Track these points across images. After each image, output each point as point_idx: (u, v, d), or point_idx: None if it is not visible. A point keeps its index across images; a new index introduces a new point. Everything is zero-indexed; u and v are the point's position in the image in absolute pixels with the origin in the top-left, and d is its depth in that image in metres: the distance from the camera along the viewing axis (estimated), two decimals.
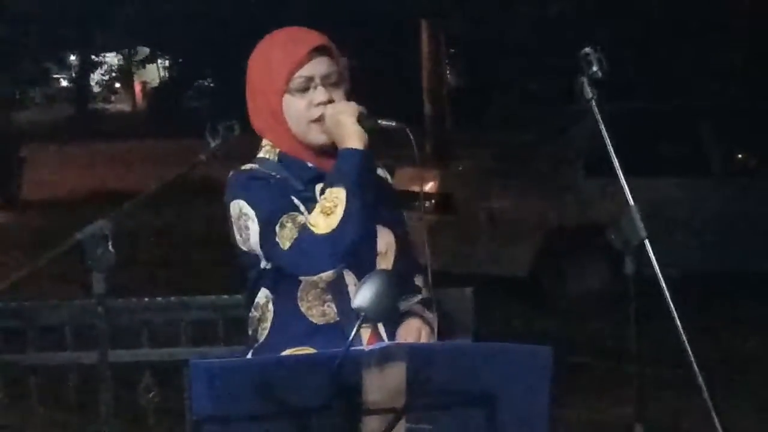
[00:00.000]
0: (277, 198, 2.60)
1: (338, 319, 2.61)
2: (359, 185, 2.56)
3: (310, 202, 2.62)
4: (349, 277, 2.61)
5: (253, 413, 2.16)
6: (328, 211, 2.54)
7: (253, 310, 2.70)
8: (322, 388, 2.17)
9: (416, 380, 2.23)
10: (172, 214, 12.97)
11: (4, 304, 3.70)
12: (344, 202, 2.54)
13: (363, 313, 2.27)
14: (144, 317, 3.75)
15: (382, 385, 2.22)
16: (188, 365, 2.21)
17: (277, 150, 2.70)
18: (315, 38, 2.68)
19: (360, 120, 2.61)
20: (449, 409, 2.27)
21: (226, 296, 3.72)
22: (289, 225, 2.56)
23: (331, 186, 2.57)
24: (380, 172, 2.82)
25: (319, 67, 2.66)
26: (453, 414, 2.28)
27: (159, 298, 3.84)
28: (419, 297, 2.70)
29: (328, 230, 2.53)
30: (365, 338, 2.59)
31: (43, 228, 13.00)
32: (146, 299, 3.86)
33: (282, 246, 2.55)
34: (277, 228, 2.56)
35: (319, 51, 2.67)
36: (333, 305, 2.62)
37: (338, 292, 2.61)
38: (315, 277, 2.56)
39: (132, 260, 9.92)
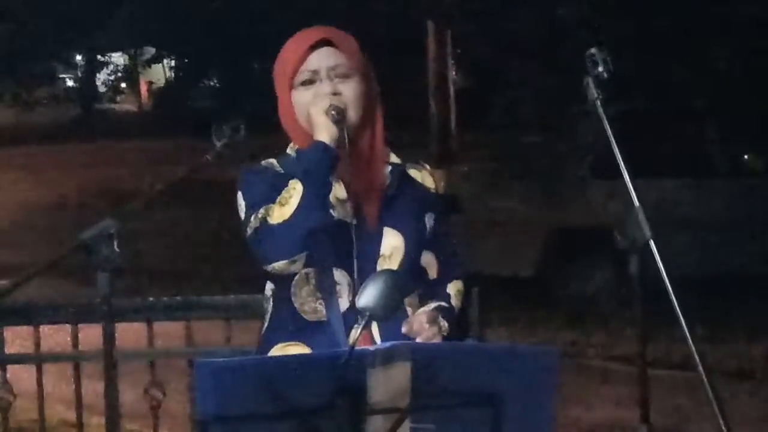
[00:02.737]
0: (267, 190, 2.59)
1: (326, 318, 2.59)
2: (316, 178, 2.53)
3: None
4: (342, 277, 2.60)
5: (258, 413, 2.16)
6: (283, 201, 2.53)
7: (264, 303, 2.71)
8: (326, 388, 2.17)
9: (421, 380, 2.23)
10: (176, 213, 12.98)
11: (11, 303, 3.70)
12: (299, 194, 2.52)
13: (368, 313, 2.26)
14: (149, 317, 3.75)
15: (387, 384, 2.22)
16: (193, 365, 2.20)
17: (296, 146, 2.69)
18: (318, 33, 2.68)
19: (328, 114, 2.57)
20: (454, 410, 2.26)
21: (231, 296, 3.74)
22: (261, 213, 2.56)
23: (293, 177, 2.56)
24: (414, 173, 2.75)
25: (324, 60, 2.64)
26: (458, 414, 2.27)
27: (164, 298, 3.85)
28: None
29: (280, 220, 2.51)
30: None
31: (48, 227, 13.02)
32: (151, 299, 3.87)
33: (246, 234, 2.57)
34: (252, 217, 2.57)
35: (324, 44, 2.65)
36: (323, 303, 2.60)
37: (327, 290, 2.59)
38: (268, 267, 2.55)
39: (137, 260, 9.93)
